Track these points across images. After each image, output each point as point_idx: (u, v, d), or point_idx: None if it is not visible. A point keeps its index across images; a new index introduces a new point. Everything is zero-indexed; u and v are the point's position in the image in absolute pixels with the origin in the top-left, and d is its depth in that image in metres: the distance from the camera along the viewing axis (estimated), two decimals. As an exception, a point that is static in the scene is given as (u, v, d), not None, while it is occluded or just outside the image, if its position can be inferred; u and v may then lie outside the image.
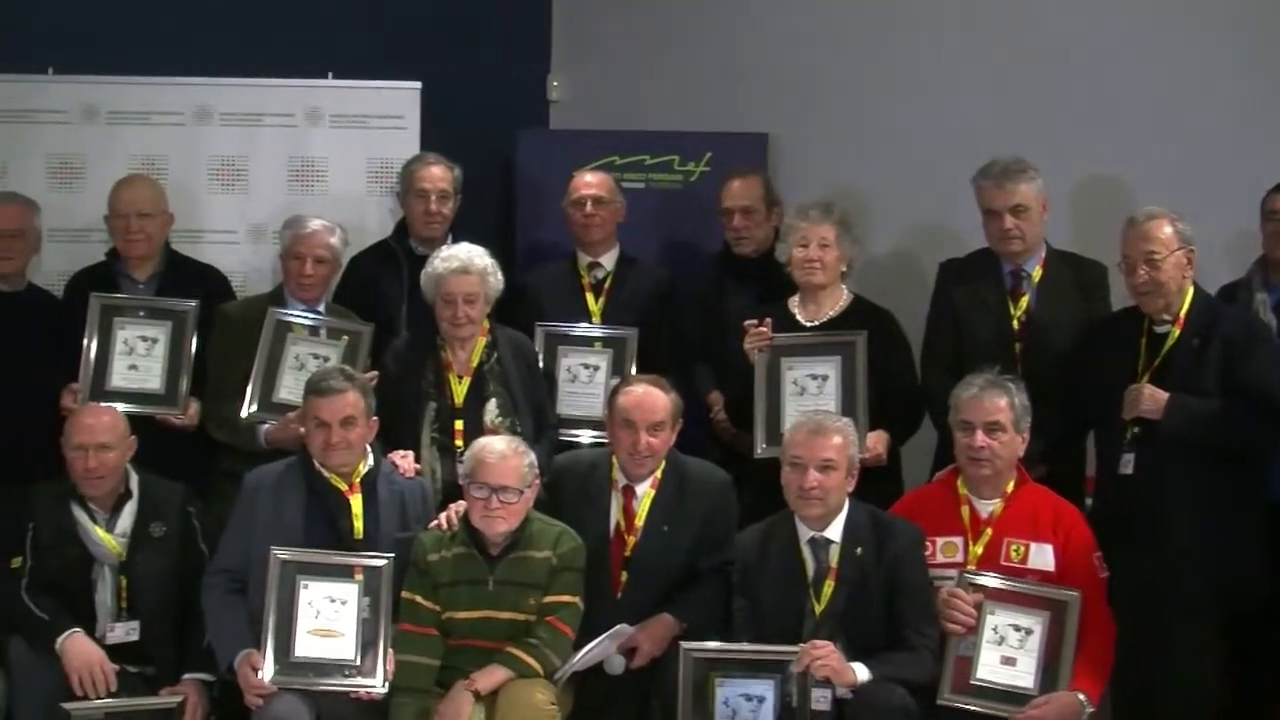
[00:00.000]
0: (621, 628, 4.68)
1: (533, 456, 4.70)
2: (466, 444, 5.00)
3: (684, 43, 7.10)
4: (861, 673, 4.40)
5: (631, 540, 4.88)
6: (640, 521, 4.88)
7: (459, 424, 5.12)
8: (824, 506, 4.62)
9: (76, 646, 4.64)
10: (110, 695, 4.62)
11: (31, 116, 6.16)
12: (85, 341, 5.29)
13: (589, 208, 5.80)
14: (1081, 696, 4.52)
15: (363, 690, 4.51)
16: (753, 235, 5.83)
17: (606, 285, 5.81)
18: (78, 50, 6.21)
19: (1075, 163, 5.92)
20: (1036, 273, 5.32)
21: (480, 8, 7.18)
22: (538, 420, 5.24)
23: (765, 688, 4.45)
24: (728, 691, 4.45)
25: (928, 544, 4.73)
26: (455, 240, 5.54)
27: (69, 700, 4.56)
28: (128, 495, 4.90)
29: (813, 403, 5.13)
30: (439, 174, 5.81)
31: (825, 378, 5.19)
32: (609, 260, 5.85)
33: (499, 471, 4.57)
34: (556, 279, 5.85)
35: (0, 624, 4.75)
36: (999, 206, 5.25)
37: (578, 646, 4.64)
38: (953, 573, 4.68)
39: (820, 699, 4.39)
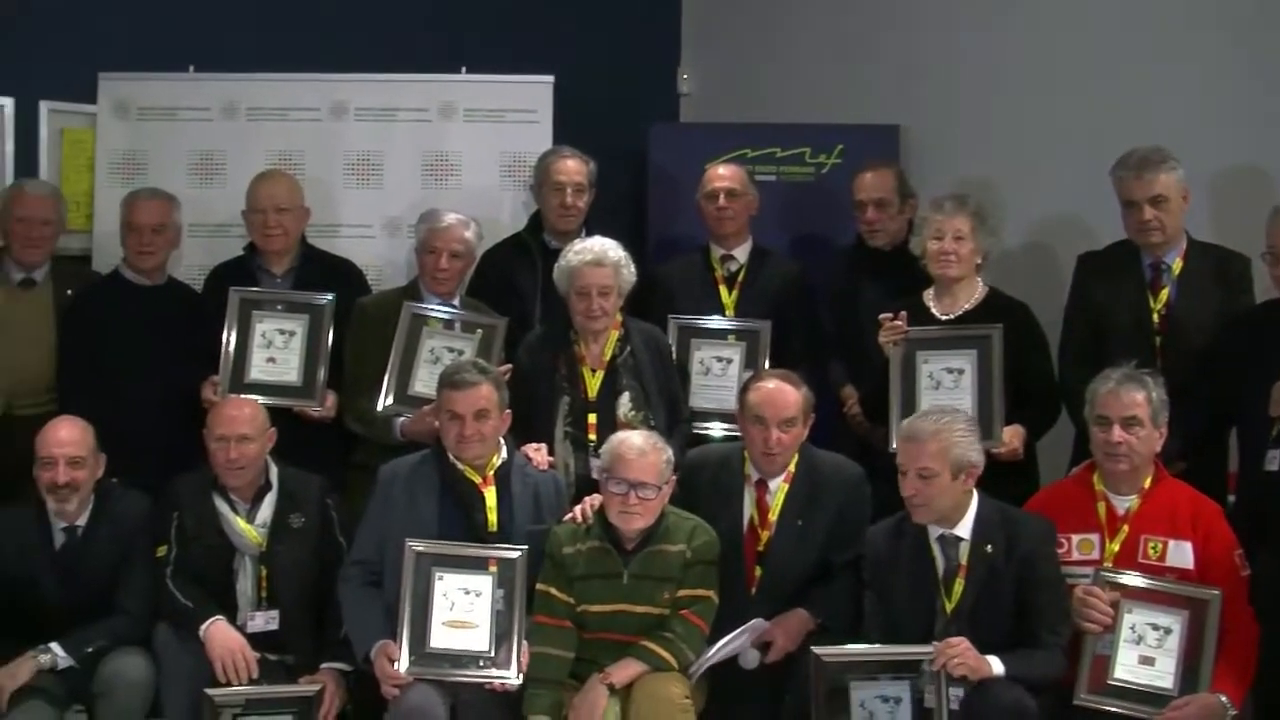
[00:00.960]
0: (757, 622, 4.67)
1: (670, 452, 4.69)
2: (600, 437, 5.02)
3: (813, 34, 7.06)
4: (997, 666, 4.34)
5: (765, 535, 4.85)
6: (774, 516, 4.86)
7: (592, 417, 5.13)
8: (929, 514, 4.55)
9: (220, 634, 4.72)
10: (251, 682, 4.69)
11: (173, 114, 6.26)
12: (225, 335, 5.36)
13: (722, 200, 5.78)
14: (1223, 699, 4.42)
15: (497, 681, 4.53)
16: (886, 228, 5.78)
17: (740, 278, 5.78)
18: (218, 48, 6.32)
19: (1216, 152, 5.76)
20: (1177, 265, 5.21)
21: (611, 1, 7.20)
22: (670, 414, 5.23)
23: (901, 688, 4.40)
24: (863, 694, 4.40)
25: (1063, 541, 4.65)
26: (589, 234, 5.55)
27: (212, 685, 4.63)
28: (268, 486, 4.97)
29: (948, 397, 5.06)
30: (574, 167, 5.82)
31: (961, 371, 5.12)
32: (742, 253, 5.82)
33: (638, 468, 4.57)
34: (689, 272, 5.84)
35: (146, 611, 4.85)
36: (1138, 197, 5.16)
37: (711, 641, 4.64)
38: (1089, 570, 4.60)
39: (955, 698, 4.35)
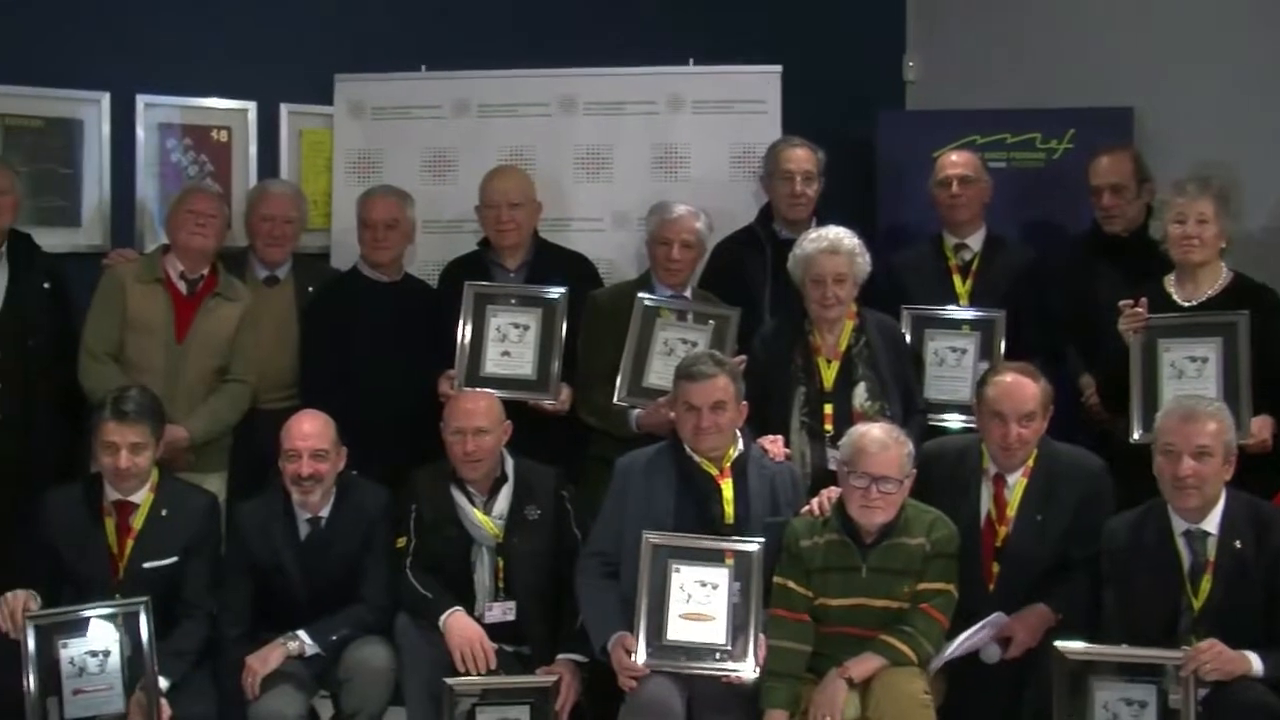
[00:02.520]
0: (997, 616, 4.59)
1: (911, 445, 4.64)
2: (836, 428, 4.99)
3: (1041, 17, 6.97)
4: (1256, 664, 4.20)
5: (1003, 530, 4.76)
6: (1012, 511, 4.76)
7: (828, 408, 5.09)
8: (1200, 497, 4.41)
9: (458, 624, 4.79)
10: (489, 672, 4.74)
11: (406, 113, 6.37)
12: (460, 329, 5.43)
13: (956, 187, 5.71)
14: None
15: (733, 674, 4.52)
16: (1123, 213, 5.66)
17: (974, 266, 5.71)
18: (449, 47, 6.42)
19: None
20: None
21: (836, -11, 7.19)
22: (906, 405, 5.17)
23: (1146, 692, 4.28)
24: (1107, 695, 4.30)
25: (1316, 537, 4.48)
26: (819, 224, 5.50)
27: (451, 675, 4.70)
28: (504, 479, 5.02)
29: (1191, 386, 4.93)
30: (803, 156, 5.79)
31: (1205, 360, 5.00)
32: (976, 241, 5.75)
33: (880, 461, 4.53)
34: (923, 261, 5.78)
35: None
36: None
37: (950, 635, 4.57)
38: (1343, 566, 4.43)
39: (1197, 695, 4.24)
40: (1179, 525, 4.47)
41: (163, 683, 4.54)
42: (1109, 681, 4.31)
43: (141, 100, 6.05)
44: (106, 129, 5.99)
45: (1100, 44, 6.70)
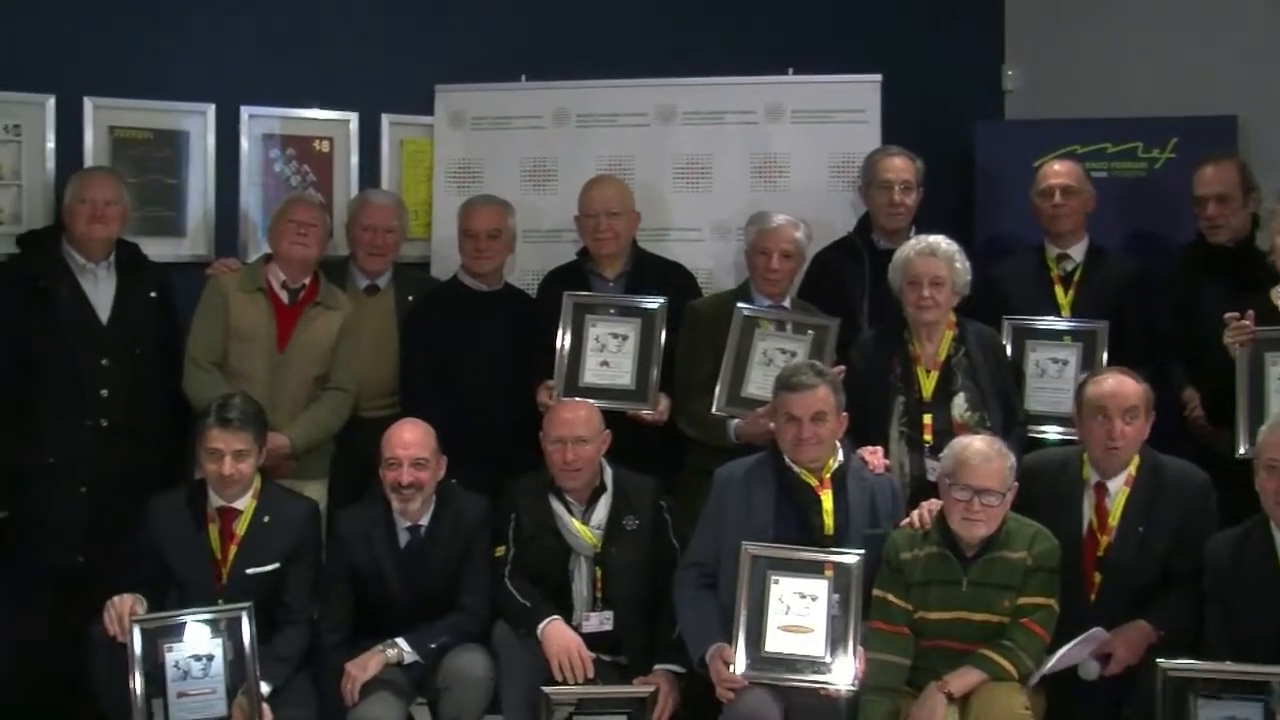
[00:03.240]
0: (1097, 631, 4.55)
1: (1013, 458, 4.61)
2: (935, 438, 4.98)
3: (1142, 25, 6.89)
4: None
5: (1105, 540, 4.72)
6: (1114, 521, 4.73)
7: (927, 418, 5.07)
8: None
9: (557, 633, 4.80)
10: (587, 682, 4.75)
11: (506, 123, 6.40)
12: (559, 339, 5.45)
13: (1058, 197, 5.67)
14: None
15: (832, 687, 4.50)
16: (1228, 223, 5.59)
17: (1076, 277, 5.66)
18: (548, 58, 6.44)
19: None
20: None
21: (935, -1, 7.17)
22: (1006, 415, 5.13)
23: (1253, 710, 4.23)
24: (1212, 713, 4.25)
25: None
26: (917, 233, 5.47)
27: (549, 684, 4.72)
28: (602, 488, 5.04)
29: (1299, 400, 4.86)
30: (902, 165, 5.78)
31: (1314, 374, 4.92)
32: (1078, 251, 5.70)
33: (982, 474, 4.50)
34: (1024, 272, 5.73)
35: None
36: None
37: (1051, 650, 4.53)
38: None
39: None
40: (1283, 542, 4.41)
41: (264, 687, 4.60)
42: (1213, 699, 4.26)
43: (245, 111, 6.13)
44: (211, 140, 6.07)
45: (1202, 52, 6.62)
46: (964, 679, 4.46)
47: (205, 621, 4.61)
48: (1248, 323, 4.98)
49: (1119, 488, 4.75)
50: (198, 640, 4.59)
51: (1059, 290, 5.65)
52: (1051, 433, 5.33)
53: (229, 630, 4.60)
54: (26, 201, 5.68)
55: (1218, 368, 5.10)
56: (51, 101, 5.72)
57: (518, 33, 6.52)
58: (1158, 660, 4.35)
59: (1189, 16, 6.72)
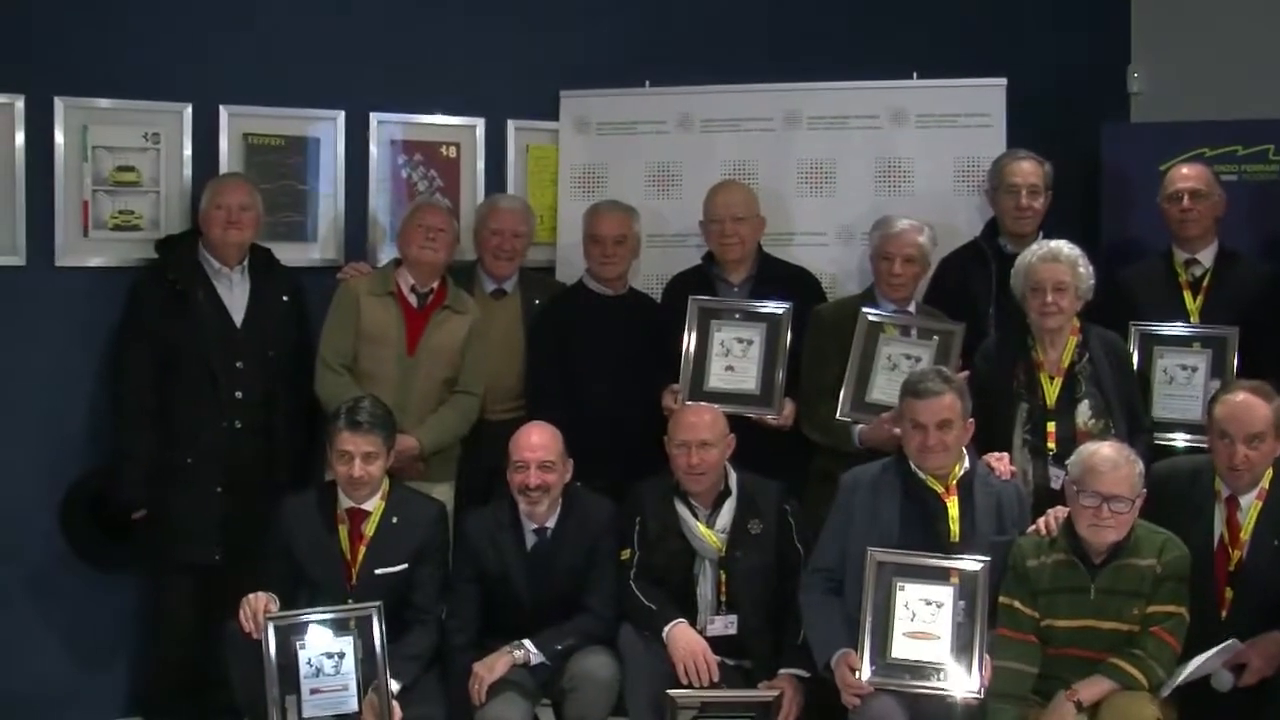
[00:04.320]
0: (1232, 642, 4.50)
1: (1142, 465, 4.57)
2: (1059, 446, 4.96)
3: (1269, 24, 6.83)
4: None
5: (1236, 555, 4.66)
6: (1246, 535, 4.66)
7: (1051, 425, 5.04)
8: None
9: (683, 636, 4.84)
10: (712, 685, 4.78)
11: (631, 128, 6.41)
12: (684, 343, 5.47)
13: (1187, 201, 5.60)
14: None
15: (958, 694, 4.49)
16: (1364, 226, 5.51)
17: (1205, 282, 5.59)
18: (672, 63, 6.46)
19: None
20: None
21: (1060, 1, 7.11)
22: (1131, 423, 5.09)
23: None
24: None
25: None
26: (1044, 238, 5.44)
27: (674, 686, 4.74)
28: (727, 492, 5.06)
29: None
30: (1029, 169, 5.74)
31: None
32: (1207, 256, 5.62)
33: (1111, 480, 4.47)
34: (1151, 276, 5.67)
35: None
36: None
37: (1182, 660, 4.49)
38: None
39: None
40: None
41: (394, 685, 4.66)
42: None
43: (374, 118, 6.19)
44: (341, 146, 6.13)
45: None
46: (1094, 688, 4.44)
47: (336, 620, 4.68)
48: None
49: (1251, 501, 4.69)
50: (329, 638, 4.66)
51: (1188, 295, 5.58)
52: (1179, 440, 5.27)
53: (359, 629, 4.66)
54: (164, 208, 5.77)
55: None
56: (189, 110, 5.81)
57: (641, 38, 6.54)
58: (1291, 669, 4.31)
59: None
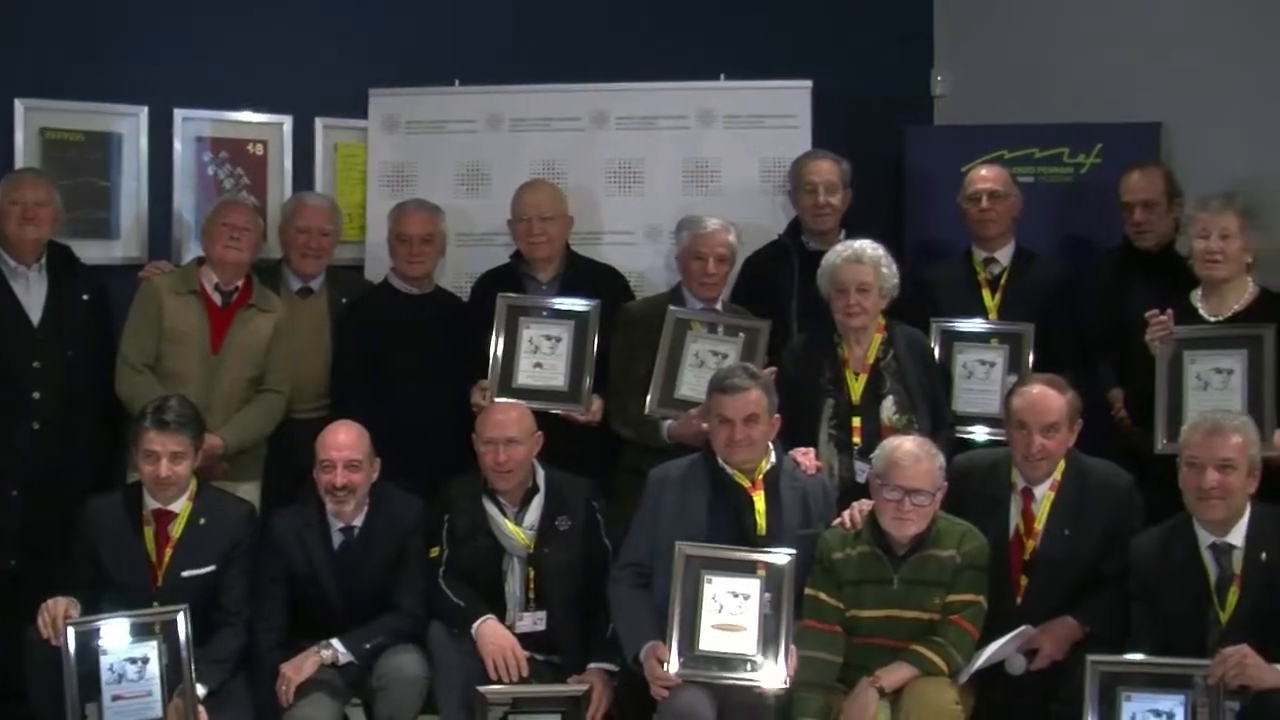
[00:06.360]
0: (1025, 628, 4.62)
1: (943, 458, 4.67)
2: (864, 441, 5.05)
3: (1069, 32, 6.93)
4: None
5: (1031, 544, 4.78)
6: (1040, 525, 4.79)
7: (856, 421, 5.13)
8: (1225, 509, 4.45)
9: (491, 632, 4.84)
10: (521, 681, 4.79)
11: (440, 127, 6.40)
12: (493, 340, 5.48)
13: (985, 202, 5.73)
14: None
15: (764, 685, 4.55)
16: (1154, 228, 5.67)
17: (1003, 280, 5.72)
18: (481, 62, 6.46)
19: None
20: None
21: (865, 4, 7.22)
22: (934, 417, 5.20)
23: (1174, 702, 4.31)
24: (1135, 706, 4.33)
25: (1344, 549, 4.50)
26: (847, 237, 5.54)
27: (484, 683, 4.75)
28: (535, 489, 5.07)
29: (1216, 398, 4.96)
30: (826, 167, 5.84)
31: (1230, 372, 5.01)
32: (1005, 255, 5.77)
33: (913, 474, 4.56)
34: (952, 274, 5.80)
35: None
36: None
37: (980, 646, 4.60)
38: (1373, 580, 4.46)
39: (1231, 710, 4.25)
40: (1205, 539, 4.50)
41: (200, 690, 4.60)
42: (1137, 692, 4.33)
43: (179, 114, 6.11)
44: (144, 142, 6.05)
45: (1128, 59, 6.66)
46: (895, 674, 4.52)
47: (140, 624, 4.60)
48: (1167, 321, 5.06)
49: (1044, 493, 4.81)
50: (133, 643, 4.57)
51: (986, 293, 5.71)
52: (980, 433, 5.40)
53: (164, 632, 4.59)
54: (-44, 205, 5.63)
55: (1143, 368, 5.17)
56: (-20, 104, 5.69)
57: (451, 37, 6.53)
58: (1088, 655, 4.41)
59: (1115, 24, 6.76)
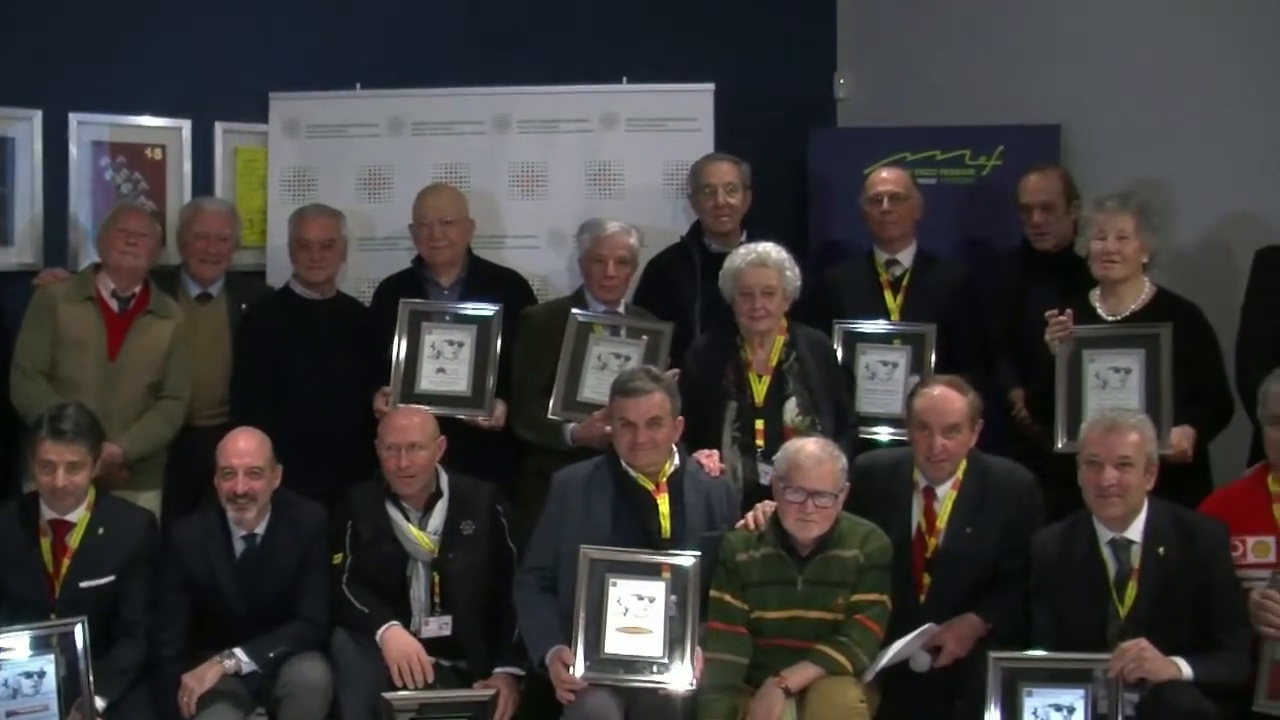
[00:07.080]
0: (928, 626, 4.65)
1: (844, 460, 4.69)
2: (767, 443, 5.06)
3: (969, 35, 7.01)
4: (1185, 669, 4.28)
5: (933, 542, 4.82)
6: (941, 523, 4.82)
7: (759, 423, 5.14)
8: (1123, 506, 4.50)
9: (396, 639, 4.81)
10: (427, 687, 4.77)
11: (341, 131, 6.37)
12: (395, 346, 5.44)
13: (886, 204, 5.76)
14: None
15: (671, 687, 4.55)
16: (1053, 230, 5.73)
17: (905, 282, 5.75)
18: (383, 66, 6.43)
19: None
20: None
21: (767, 8, 7.24)
22: (837, 418, 5.21)
23: (1075, 696, 4.35)
24: (1037, 701, 4.37)
25: (1237, 544, 4.58)
26: (749, 239, 5.56)
27: (389, 690, 4.72)
28: (439, 494, 5.05)
29: (1115, 396, 5.00)
30: (725, 169, 5.86)
31: (1128, 371, 5.06)
32: (906, 257, 5.80)
33: (815, 476, 4.58)
34: (854, 276, 5.82)
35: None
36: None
37: (885, 645, 4.63)
38: (1265, 573, 4.53)
39: (1129, 703, 4.30)
40: (1104, 534, 4.55)
41: (99, 703, 4.55)
42: (1039, 688, 4.37)
43: (74, 118, 6.02)
44: (39, 147, 5.95)
45: (1028, 62, 6.74)
46: (801, 674, 4.54)
47: (37, 637, 4.53)
48: (1066, 320, 5.10)
49: (946, 491, 4.85)
50: (29, 657, 4.50)
51: (888, 295, 5.74)
52: (883, 434, 5.43)
53: (61, 645, 4.52)
54: None
55: (1043, 368, 5.21)
56: None
57: (353, 41, 6.49)
58: (988, 651, 4.45)
59: (1016, 28, 6.84)
